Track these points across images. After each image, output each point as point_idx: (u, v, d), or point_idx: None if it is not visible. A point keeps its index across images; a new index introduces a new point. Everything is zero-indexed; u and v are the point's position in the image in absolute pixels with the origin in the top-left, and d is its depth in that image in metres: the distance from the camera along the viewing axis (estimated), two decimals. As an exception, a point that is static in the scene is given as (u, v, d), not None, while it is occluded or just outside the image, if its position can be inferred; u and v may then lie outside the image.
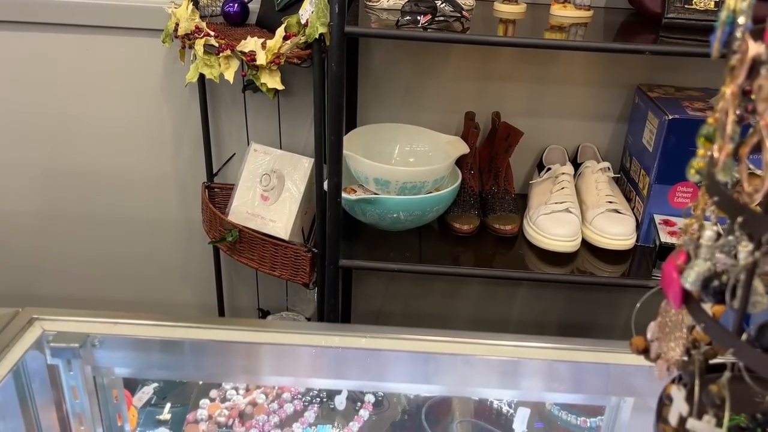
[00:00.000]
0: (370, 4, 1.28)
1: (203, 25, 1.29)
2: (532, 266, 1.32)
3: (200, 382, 1.14)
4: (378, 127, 1.48)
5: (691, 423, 0.44)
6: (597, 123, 1.53)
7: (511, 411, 1.10)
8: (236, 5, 1.38)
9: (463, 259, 1.34)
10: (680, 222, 1.34)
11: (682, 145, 1.27)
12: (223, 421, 1.10)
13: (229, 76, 1.28)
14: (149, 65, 1.52)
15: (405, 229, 1.39)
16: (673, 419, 0.47)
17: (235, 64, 1.29)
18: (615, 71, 1.48)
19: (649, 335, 0.50)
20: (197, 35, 1.28)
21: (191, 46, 1.29)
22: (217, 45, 1.27)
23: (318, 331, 0.85)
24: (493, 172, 1.49)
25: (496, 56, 1.48)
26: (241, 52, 1.25)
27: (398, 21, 1.16)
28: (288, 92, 1.50)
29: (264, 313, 1.73)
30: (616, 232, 1.31)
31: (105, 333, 0.81)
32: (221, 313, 1.74)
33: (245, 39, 1.26)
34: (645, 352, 0.50)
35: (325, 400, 1.15)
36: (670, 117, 1.26)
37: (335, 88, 1.13)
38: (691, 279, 0.41)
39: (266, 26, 1.38)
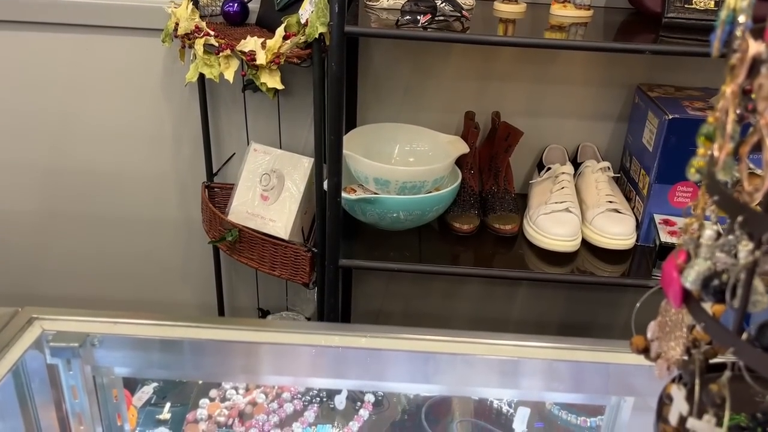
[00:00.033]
0: (370, 3, 1.28)
1: (203, 24, 1.29)
2: (532, 266, 1.32)
3: (200, 382, 1.14)
4: (378, 126, 1.48)
5: (691, 422, 0.44)
6: (597, 123, 1.53)
7: (511, 411, 1.09)
8: (236, 5, 1.38)
9: (463, 258, 1.34)
10: (680, 222, 1.34)
11: (682, 145, 1.27)
12: (222, 420, 1.10)
13: (229, 75, 1.28)
14: (149, 65, 1.52)
15: (405, 228, 1.39)
16: (673, 419, 0.47)
17: (234, 64, 1.28)
18: (615, 71, 1.48)
19: (649, 335, 0.50)
20: (197, 35, 1.27)
21: (191, 46, 1.29)
22: (216, 45, 1.27)
23: (318, 331, 0.84)
24: (493, 172, 1.49)
25: (496, 56, 1.48)
26: (240, 51, 1.25)
27: (398, 20, 1.16)
28: (288, 92, 1.50)
29: (264, 313, 1.73)
30: (616, 231, 1.31)
31: (104, 332, 0.81)
32: (221, 312, 1.74)
33: (245, 39, 1.26)
34: (645, 351, 0.50)
35: (324, 399, 1.15)
36: (670, 117, 1.26)
37: (335, 87, 1.13)
38: (691, 278, 0.41)
39: (266, 26, 1.38)
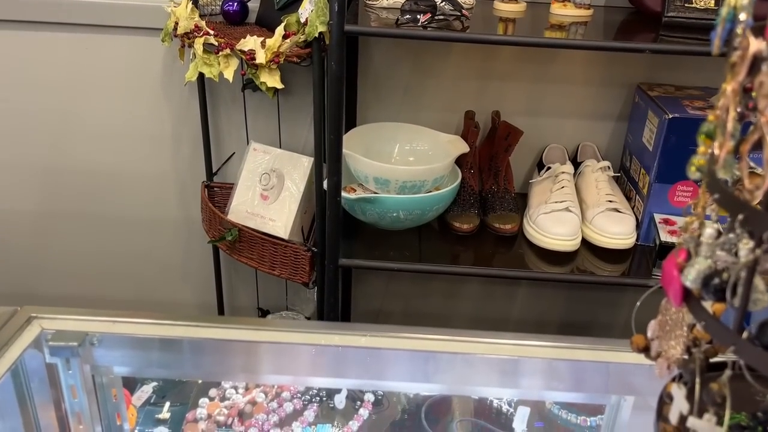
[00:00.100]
0: (370, 2, 1.28)
1: (203, 23, 1.28)
2: (532, 265, 1.32)
3: (199, 381, 1.14)
4: (378, 126, 1.48)
5: (691, 421, 0.44)
6: (597, 122, 1.53)
7: (511, 410, 1.09)
8: (236, 4, 1.38)
9: (463, 258, 1.34)
10: (680, 221, 1.33)
11: (682, 144, 1.27)
12: (222, 420, 1.10)
13: (229, 75, 1.28)
14: (149, 64, 1.52)
15: (405, 228, 1.39)
16: (673, 418, 0.47)
17: (234, 63, 1.28)
18: (615, 70, 1.48)
19: (649, 333, 0.50)
20: (197, 34, 1.27)
21: (191, 45, 1.29)
22: (216, 44, 1.26)
23: (317, 330, 0.84)
24: (493, 171, 1.49)
25: (496, 55, 1.48)
26: (240, 50, 1.25)
27: (398, 20, 1.16)
28: (287, 91, 1.50)
29: (264, 313, 1.73)
30: (616, 231, 1.31)
31: (104, 332, 0.80)
32: (221, 312, 1.74)
33: (245, 38, 1.26)
34: (645, 350, 0.50)
35: (324, 399, 1.14)
36: (670, 116, 1.26)
37: (335, 87, 1.13)
38: (691, 277, 0.41)
39: (266, 25, 1.38)
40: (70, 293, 1.79)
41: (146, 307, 1.80)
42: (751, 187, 0.38)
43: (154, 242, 1.72)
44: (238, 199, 1.46)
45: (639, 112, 1.42)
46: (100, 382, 0.85)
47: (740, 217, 0.38)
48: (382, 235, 1.39)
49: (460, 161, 1.42)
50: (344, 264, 1.29)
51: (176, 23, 1.30)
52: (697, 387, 0.45)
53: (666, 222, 1.34)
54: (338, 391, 1.12)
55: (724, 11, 0.38)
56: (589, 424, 1.09)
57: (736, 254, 0.39)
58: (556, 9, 1.32)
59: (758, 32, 0.37)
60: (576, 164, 1.47)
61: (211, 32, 1.27)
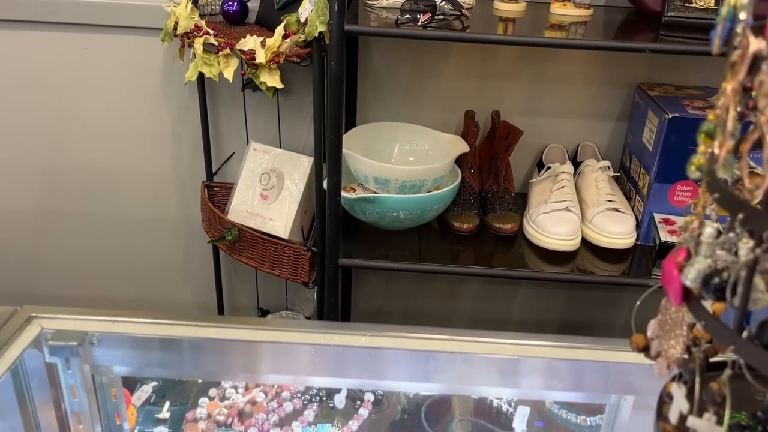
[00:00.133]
0: (370, 2, 1.28)
1: (202, 23, 1.28)
2: (532, 265, 1.32)
3: (199, 381, 1.14)
4: (377, 125, 1.48)
5: (691, 421, 0.44)
6: (597, 122, 1.53)
7: (511, 410, 1.09)
8: (235, 4, 1.38)
9: (463, 258, 1.34)
10: (680, 221, 1.33)
11: (682, 144, 1.27)
12: (222, 419, 1.10)
13: (229, 74, 1.28)
14: (148, 64, 1.52)
15: (405, 228, 1.39)
16: (673, 417, 0.47)
17: (234, 63, 1.28)
18: (615, 70, 1.48)
19: (649, 333, 0.50)
20: (196, 34, 1.27)
21: (190, 45, 1.29)
22: (216, 43, 1.26)
23: (317, 330, 0.84)
24: (493, 171, 1.49)
25: (495, 55, 1.48)
26: (240, 50, 1.25)
27: (398, 19, 1.16)
28: (287, 91, 1.50)
29: (263, 312, 1.73)
30: (616, 230, 1.31)
31: (103, 331, 0.80)
32: (221, 312, 1.74)
33: (244, 37, 1.26)
34: (645, 350, 0.50)
35: (324, 398, 1.14)
36: (670, 116, 1.26)
37: (335, 86, 1.13)
38: (691, 276, 0.41)
39: (265, 25, 1.38)
40: (70, 293, 1.79)
41: (146, 307, 1.80)
42: (751, 187, 0.38)
43: (154, 242, 1.72)
44: (238, 198, 1.46)
45: (639, 111, 1.42)
46: (99, 382, 0.85)
47: (740, 216, 0.38)
48: (382, 235, 1.39)
49: (459, 161, 1.42)
50: (344, 264, 1.29)
51: (176, 23, 1.30)
52: (697, 386, 0.45)
53: (666, 222, 1.34)
54: (338, 390, 1.12)
55: (724, 10, 0.38)
56: (588, 423, 1.09)
57: (736, 253, 0.39)
58: (556, 9, 1.32)
59: (758, 31, 0.37)
60: (576, 164, 1.47)
61: (211, 32, 1.27)
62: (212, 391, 1.14)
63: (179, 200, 1.67)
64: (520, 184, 1.57)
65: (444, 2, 1.18)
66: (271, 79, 1.27)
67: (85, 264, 1.75)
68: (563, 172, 1.42)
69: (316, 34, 1.22)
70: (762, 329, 0.40)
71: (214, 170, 1.57)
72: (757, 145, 0.37)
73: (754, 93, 0.38)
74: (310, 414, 1.12)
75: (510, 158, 1.50)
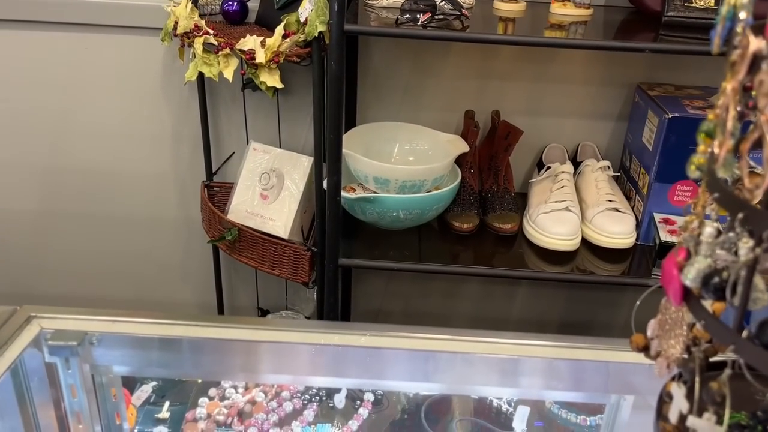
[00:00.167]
0: (370, 2, 1.28)
1: (202, 23, 1.28)
2: (532, 265, 1.32)
3: (199, 381, 1.14)
4: (377, 125, 1.48)
5: (691, 421, 0.44)
6: (597, 121, 1.53)
7: (511, 409, 1.09)
8: (235, 3, 1.38)
9: (463, 257, 1.34)
10: (680, 220, 1.33)
11: (682, 144, 1.27)
12: (222, 419, 1.10)
13: (229, 74, 1.28)
14: (148, 64, 1.51)
15: (404, 227, 1.39)
16: (673, 417, 0.47)
17: (234, 63, 1.28)
18: (615, 70, 1.48)
19: (649, 333, 0.50)
20: (196, 34, 1.27)
21: (190, 45, 1.29)
22: (216, 43, 1.26)
23: (317, 330, 0.84)
24: (493, 171, 1.49)
25: (495, 55, 1.48)
26: (240, 50, 1.25)
27: (398, 19, 1.16)
28: (287, 91, 1.50)
29: (263, 312, 1.73)
30: (616, 230, 1.31)
31: (103, 331, 0.80)
32: (221, 312, 1.74)
33: (244, 37, 1.26)
34: (645, 349, 0.50)
35: (324, 398, 1.14)
36: (670, 115, 1.26)
37: (335, 86, 1.13)
38: (691, 276, 0.41)
39: (265, 24, 1.38)
40: (69, 293, 1.79)
41: (146, 306, 1.80)
42: (751, 186, 0.38)
43: (154, 242, 1.72)
44: (237, 198, 1.46)
45: (639, 111, 1.42)
46: (99, 382, 0.85)
47: (740, 216, 0.38)
48: (381, 235, 1.39)
49: (459, 161, 1.41)
50: (344, 264, 1.29)
51: (176, 23, 1.30)
52: (697, 386, 0.45)
53: (666, 221, 1.34)
54: (338, 390, 1.12)
55: (724, 10, 0.38)
56: (588, 423, 1.09)
57: (735, 253, 0.39)
58: (556, 8, 1.32)
59: (758, 31, 0.37)
60: (576, 164, 1.47)
61: (211, 32, 1.27)
62: (212, 391, 1.14)
63: (179, 200, 1.67)
64: (520, 184, 1.57)
65: (444, 2, 1.18)
66: (270, 79, 1.27)
67: (85, 264, 1.75)
68: (563, 172, 1.42)
69: (316, 34, 1.22)
70: (762, 329, 0.40)
71: (214, 170, 1.57)
72: (757, 144, 0.37)
73: (754, 92, 0.38)
74: (309, 414, 1.12)
75: (510, 158, 1.50)
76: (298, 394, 1.15)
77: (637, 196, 1.39)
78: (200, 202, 1.57)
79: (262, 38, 1.25)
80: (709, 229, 0.42)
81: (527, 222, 1.39)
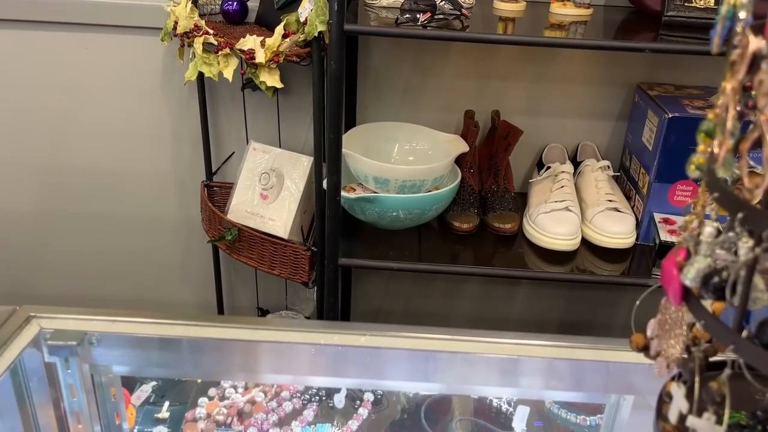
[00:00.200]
0: (370, 2, 1.28)
1: (202, 23, 1.28)
2: (532, 265, 1.32)
3: (199, 381, 1.14)
4: (377, 125, 1.48)
5: (691, 420, 0.44)
6: (597, 121, 1.53)
7: (511, 409, 1.09)
8: (235, 3, 1.38)
9: (463, 257, 1.34)
10: (680, 220, 1.33)
11: (681, 144, 1.27)
12: (221, 419, 1.10)
13: (228, 74, 1.28)
14: (148, 64, 1.51)
15: (404, 227, 1.39)
16: (672, 417, 0.47)
17: (234, 63, 1.28)
18: (615, 69, 1.48)
19: (648, 333, 0.50)
20: (196, 33, 1.27)
21: (190, 45, 1.29)
22: (216, 43, 1.26)
23: (317, 329, 0.84)
24: (493, 171, 1.49)
25: (495, 54, 1.48)
26: (240, 50, 1.25)
27: (397, 19, 1.16)
28: (287, 90, 1.50)
29: (263, 312, 1.73)
30: (616, 230, 1.31)
31: (103, 331, 0.80)
32: (220, 311, 1.73)
33: (244, 37, 1.26)
34: (645, 349, 0.50)
35: (324, 398, 1.14)
36: (670, 115, 1.26)
37: (334, 86, 1.13)
38: (690, 275, 0.41)
39: (265, 24, 1.38)
40: (69, 292, 1.79)
41: (146, 306, 1.80)
42: (751, 186, 0.38)
43: (154, 242, 1.72)
44: (237, 198, 1.46)
45: (639, 111, 1.42)
46: (99, 382, 0.85)
47: (740, 215, 0.38)
48: (381, 235, 1.39)
49: (459, 161, 1.41)
50: (344, 263, 1.29)
51: (176, 22, 1.30)
52: (697, 386, 0.45)
53: (666, 221, 1.34)
54: (338, 390, 1.12)
55: (723, 9, 0.38)
56: (588, 423, 1.09)
57: (735, 253, 0.39)
58: (556, 8, 1.32)
59: (758, 30, 0.37)
60: (576, 164, 1.47)
61: (211, 31, 1.27)
62: (212, 391, 1.14)
63: (179, 200, 1.67)
64: (520, 184, 1.57)
65: (444, 2, 1.18)
66: (270, 79, 1.27)
67: (84, 263, 1.75)
68: (563, 172, 1.42)
69: (316, 34, 1.22)
70: (762, 329, 0.40)
71: (213, 170, 1.57)
72: (757, 144, 0.37)
73: (753, 92, 0.38)
74: (309, 414, 1.12)
75: (510, 158, 1.50)
76: (298, 394, 1.15)
77: (637, 196, 1.39)
78: (200, 202, 1.57)
79: (261, 38, 1.25)
80: (709, 228, 0.41)
81: (527, 222, 1.39)
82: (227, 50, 1.26)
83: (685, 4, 1.25)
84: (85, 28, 1.48)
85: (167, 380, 1.12)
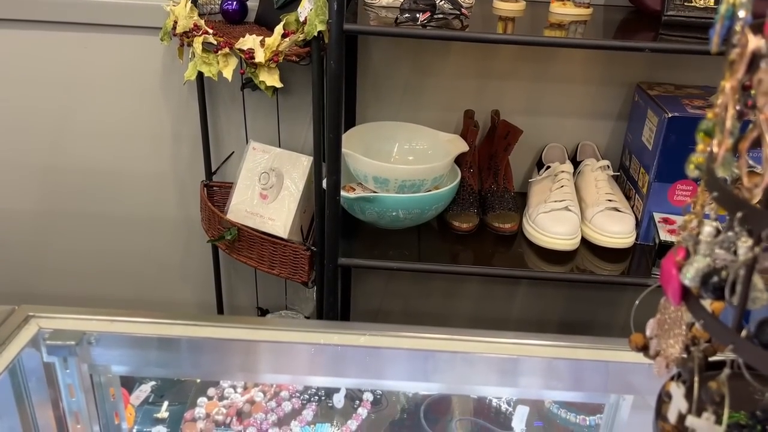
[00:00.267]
0: (369, 1, 1.28)
1: (202, 22, 1.28)
2: (532, 265, 1.32)
3: (198, 381, 1.14)
4: (377, 125, 1.48)
5: (690, 420, 0.44)
6: (596, 121, 1.53)
7: (510, 409, 1.09)
8: (235, 3, 1.38)
9: (463, 257, 1.34)
10: (680, 220, 1.33)
11: (681, 143, 1.27)
12: (220, 419, 1.10)
13: (228, 74, 1.28)
14: (148, 63, 1.51)
15: (404, 227, 1.38)
16: (672, 416, 0.46)
17: (233, 62, 1.28)
18: (614, 69, 1.48)
19: (648, 332, 0.50)
20: (196, 33, 1.27)
21: (190, 44, 1.29)
22: (215, 43, 1.26)
23: (317, 329, 0.84)
24: (493, 171, 1.49)
25: (495, 54, 1.48)
26: (239, 49, 1.25)
27: (397, 18, 1.16)
28: (287, 90, 1.50)
29: (263, 312, 1.73)
30: (616, 230, 1.31)
31: (101, 331, 0.80)
32: (220, 311, 1.73)
33: (244, 37, 1.25)
34: (644, 349, 0.50)
35: (323, 398, 1.14)
36: (670, 115, 1.26)
37: (334, 86, 1.13)
38: (690, 275, 0.41)
39: (265, 24, 1.38)
40: (68, 292, 1.79)
41: (145, 306, 1.79)
42: (750, 186, 0.38)
43: (154, 241, 1.72)
44: (237, 198, 1.46)
45: (638, 111, 1.42)
46: (97, 381, 0.85)
47: (739, 215, 0.38)
48: (381, 235, 1.39)
49: (459, 160, 1.41)
50: (343, 263, 1.29)
51: (175, 22, 1.29)
52: (696, 386, 0.45)
53: (665, 221, 1.33)
54: (337, 390, 1.12)
55: (723, 8, 0.38)
56: (588, 423, 1.09)
57: (734, 252, 0.39)
58: (556, 8, 1.32)
59: (757, 29, 0.37)
60: (575, 163, 1.47)
61: (210, 31, 1.27)
62: (211, 391, 1.14)
63: (179, 200, 1.67)
64: (520, 184, 1.57)
65: (443, 1, 1.18)
66: (270, 79, 1.27)
67: (84, 263, 1.75)
68: (563, 172, 1.42)
69: (316, 34, 1.22)
70: (761, 328, 0.40)
71: (213, 170, 1.57)
72: (756, 143, 0.37)
73: (753, 91, 0.38)
74: (309, 414, 1.12)
75: (509, 157, 1.50)
76: (297, 394, 1.15)
77: (637, 196, 1.39)
78: (200, 201, 1.57)
79: (261, 38, 1.25)
80: (708, 228, 0.41)
81: (527, 221, 1.38)
82: (227, 50, 1.26)
83: (685, 3, 1.25)
84: (85, 27, 1.48)
85: (166, 380, 1.12)
